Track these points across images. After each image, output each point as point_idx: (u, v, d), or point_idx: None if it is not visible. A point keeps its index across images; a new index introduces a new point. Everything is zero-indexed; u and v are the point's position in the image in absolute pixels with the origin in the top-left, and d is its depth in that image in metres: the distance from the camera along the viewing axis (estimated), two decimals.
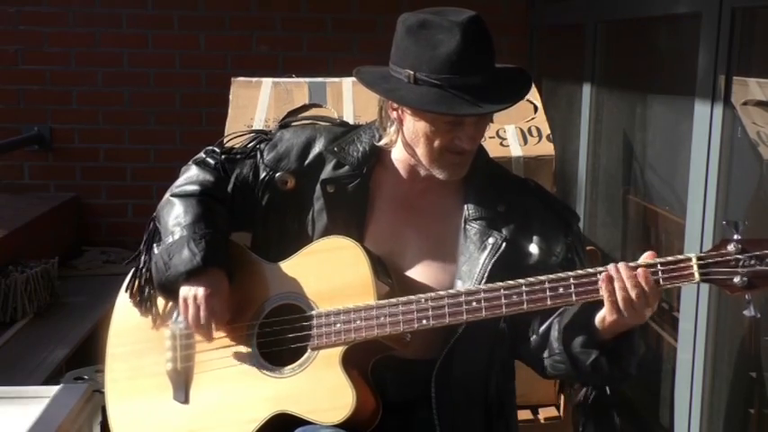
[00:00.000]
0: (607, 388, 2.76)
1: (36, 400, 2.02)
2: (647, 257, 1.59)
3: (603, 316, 1.60)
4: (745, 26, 2.42)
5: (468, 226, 1.79)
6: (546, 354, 1.74)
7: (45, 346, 3.40)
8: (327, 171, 1.83)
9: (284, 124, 2.00)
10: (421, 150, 1.75)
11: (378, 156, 1.85)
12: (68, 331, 3.58)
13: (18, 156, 4.81)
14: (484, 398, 1.81)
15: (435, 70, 1.66)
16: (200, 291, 1.73)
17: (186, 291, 1.74)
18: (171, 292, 1.78)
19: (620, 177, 3.76)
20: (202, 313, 1.73)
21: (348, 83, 2.86)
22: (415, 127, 1.73)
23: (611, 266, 1.58)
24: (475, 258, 1.76)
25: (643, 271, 1.56)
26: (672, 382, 2.86)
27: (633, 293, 1.55)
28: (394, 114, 1.77)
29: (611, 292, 1.57)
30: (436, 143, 1.72)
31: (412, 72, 1.69)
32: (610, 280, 1.57)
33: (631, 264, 1.58)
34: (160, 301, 1.87)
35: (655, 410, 3.22)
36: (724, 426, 2.66)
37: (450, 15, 1.69)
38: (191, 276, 1.73)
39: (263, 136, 1.94)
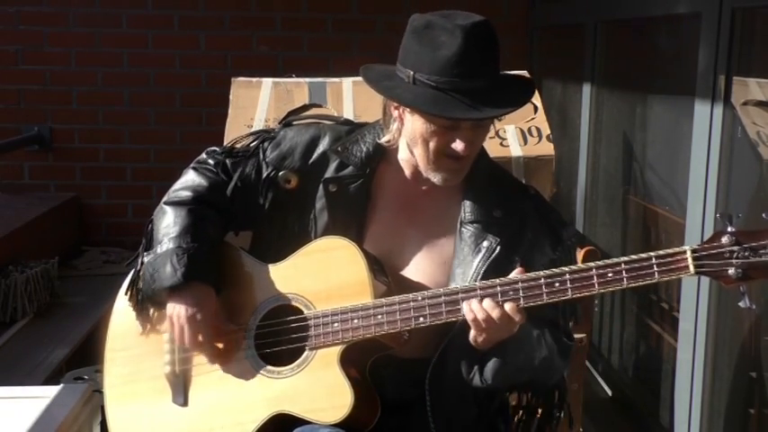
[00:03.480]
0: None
1: (36, 400, 2.01)
2: (517, 272, 1.63)
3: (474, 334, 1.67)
4: (745, 26, 2.42)
5: (463, 228, 1.78)
6: None
7: (45, 346, 3.40)
8: (331, 171, 1.82)
9: (287, 123, 1.99)
10: (418, 152, 1.75)
11: (383, 154, 1.84)
12: (68, 331, 3.58)
13: (18, 156, 4.81)
14: (479, 397, 1.81)
15: (434, 72, 1.66)
16: (182, 310, 1.73)
17: (171, 308, 1.75)
18: (159, 304, 1.78)
19: (620, 177, 3.76)
20: (186, 335, 1.74)
21: (348, 83, 2.85)
22: (413, 127, 1.73)
23: (465, 306, 1.63)
24: (468, 261, 1.76)
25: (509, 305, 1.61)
26: (672, 382, 2.86)
27: (490, 318, 1.61)
28: (395, 113, 1.77)
29: (474, 321, 1.62)
30: (432, 145, 1.71)
31: (412, 72, 1.68)
32: (470, 310, 1.62)
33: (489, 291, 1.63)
34: None
35: (655, 410, 3.22)
36: (724, 426, 2.66)
37: (456, 19, 1.67)
38: (173, 292, 1.74)
39: (265, 135, 1.93)
